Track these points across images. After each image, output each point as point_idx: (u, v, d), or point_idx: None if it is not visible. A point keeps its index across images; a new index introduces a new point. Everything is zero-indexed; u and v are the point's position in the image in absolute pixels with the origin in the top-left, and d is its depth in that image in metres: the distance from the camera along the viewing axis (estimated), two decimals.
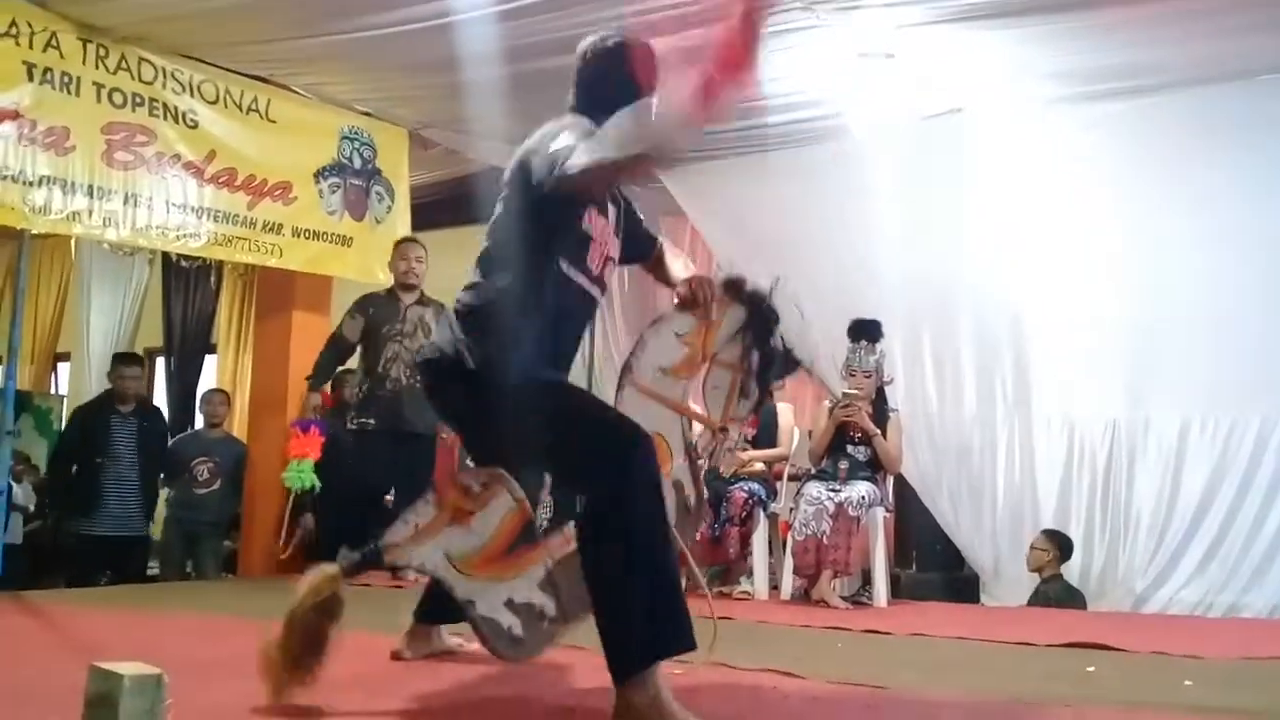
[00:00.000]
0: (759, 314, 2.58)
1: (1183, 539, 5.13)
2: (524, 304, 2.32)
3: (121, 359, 6.42)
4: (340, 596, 2.23)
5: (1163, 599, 5.07)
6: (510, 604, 2.36)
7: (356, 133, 5.98)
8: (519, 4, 4.30)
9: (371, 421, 5.20)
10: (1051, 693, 2.60)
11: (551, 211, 2.31)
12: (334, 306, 6.62)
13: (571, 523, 2.32)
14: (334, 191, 5.86)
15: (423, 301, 5.36)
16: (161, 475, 6.32)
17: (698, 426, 2.64)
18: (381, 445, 5.16)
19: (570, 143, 2.20)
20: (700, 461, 2.61)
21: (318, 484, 5.69)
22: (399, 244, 5.51)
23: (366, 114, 5.99)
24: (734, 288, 2.58)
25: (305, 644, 2.17)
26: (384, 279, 5.81)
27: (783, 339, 2.61)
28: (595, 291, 2.48)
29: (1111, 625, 4.19)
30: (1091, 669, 3.01)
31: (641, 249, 2.71)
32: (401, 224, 6.17)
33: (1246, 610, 4.90)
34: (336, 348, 5.45)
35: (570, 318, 2.47)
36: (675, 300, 2.57)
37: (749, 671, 2.69)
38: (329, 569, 2.25)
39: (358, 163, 5.98)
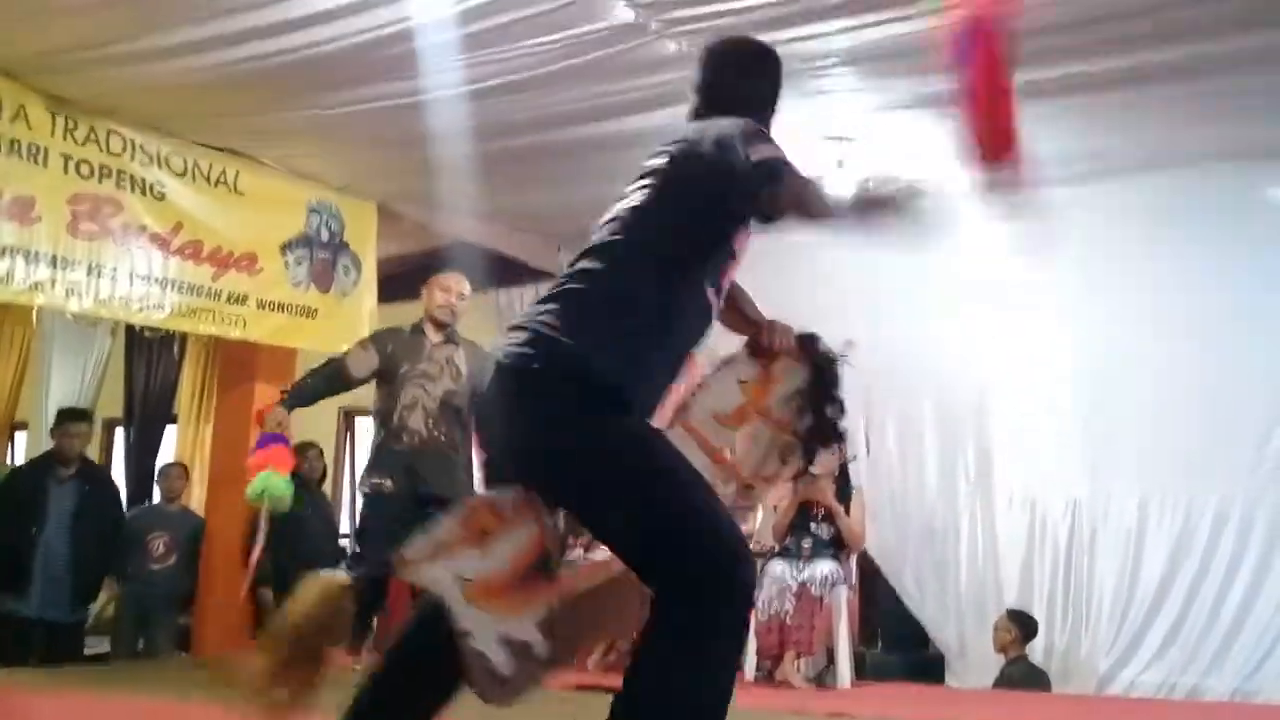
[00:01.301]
0: (823, 378, 2.40)
1: (1144, 619, 5.14)
2: (655, 322, 2.01)
3: (68, 415, 5.97)
4: (348, 610, 2.12)
5: (1125, 680, 5.06)
6: (506, 641, 2.12)
7: (325, 206, 6.00)
8: (487, 85, 4.36)
9: (387, 483, 4.33)
10: None
11: (719, 220, 2.08)
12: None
13: (582, 556, 2.15)
14: (300, 264, 5.86)
15: (452, 340, 4.56)
16: (110, 548, 5.81)
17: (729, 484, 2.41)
18: (402, 512, 4.18)
19: (777, 155, 2.01)
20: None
21: (285, 496, 4.51)
22: (439, 274, 4.68)
23: (335, 188, 6.02)
24: (808, 345, 2.41)
25: (302, 654, 2.05)
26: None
27: (839, 408, 2.42)
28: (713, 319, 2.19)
29: (1075, 709, 4.17)
30: None
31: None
32: (368, 296, 6.17)
33: (1209, 693, 4.89)
34: (330, 379, 4.51)
35: (693, 345, 2.17)
36: (746, 344, 2.40)
37: None
38: (340, 578, 2.16)
39: (325, 235, 5.99)
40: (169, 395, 9.14)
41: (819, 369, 2.40)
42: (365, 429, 9.16)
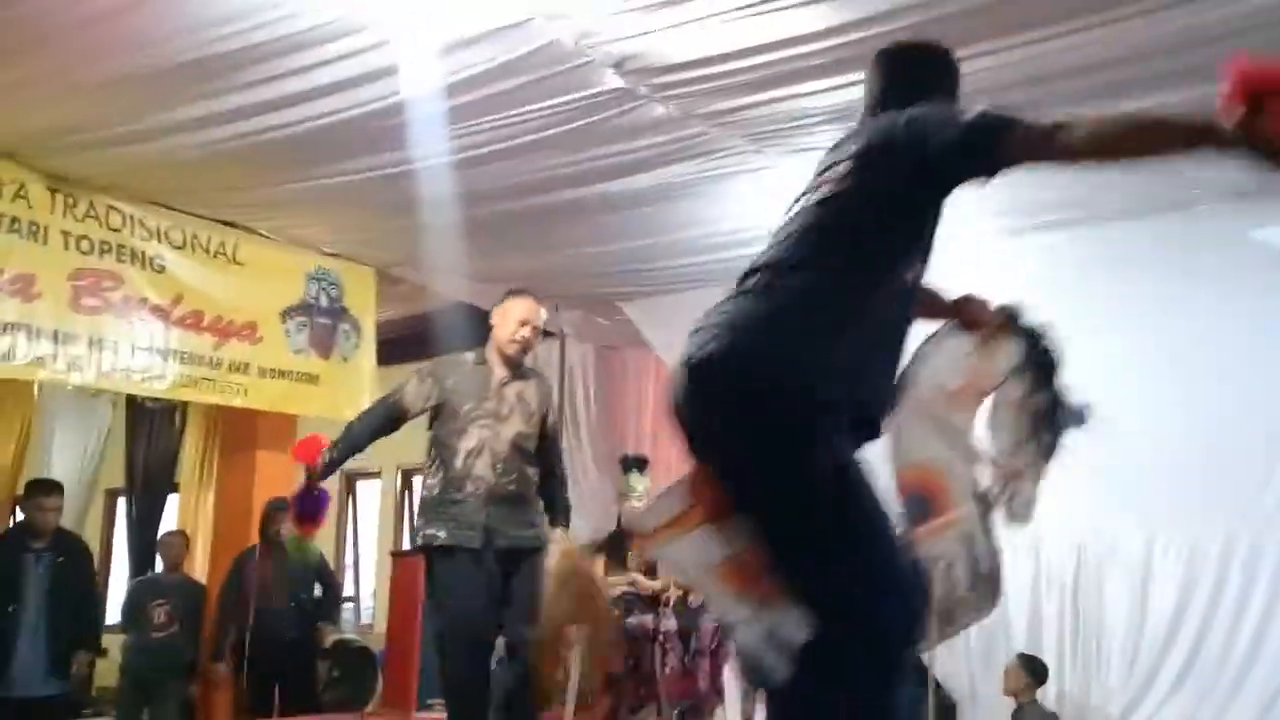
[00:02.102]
0: (1037, 352, 2.32)
1: (1155, 660, 5.11)
2: (853, 319, 1.92)
3: (39, 486, 5.67)
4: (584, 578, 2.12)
5: None
6: (771, 639, 1.94)
7: (323, 273, 6.06)
8: (479, 152, 4.43)
9: (441, 535, 3.67)
10: None
11: (920, 200, 1.96)
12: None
13: None
14: (300, 330, 5.90)
15: (522, 375, 3.89)
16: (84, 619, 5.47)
17: (984, 471, 2.29)
18: (470, 569, 3.66)
19: (986, 108, 1.85)
20: (993, 513, 2.26)
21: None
22: (513, 299, 3.91)
23: (333, 254, 6.09)
24: (1010, 318, 2.32)
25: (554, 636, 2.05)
26: (350, 415, 5.80)
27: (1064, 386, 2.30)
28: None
29: None
30: None
31: None
32: (368, 360, 6.22)
33: None
34: (385, 419, 3.92)
35: (900, 335, 2.04)
36: (953, 321, 2.32)
37: None
38: (567, 545, 2.17)
39: (325, 301, 6.04)
40: (170, 464, 9.16)
41: (1031, 343, 2.32)
42: (368, 492, 9.18)
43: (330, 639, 6.23)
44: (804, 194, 2.08)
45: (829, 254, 1.95)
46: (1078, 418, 2.33)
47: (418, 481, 8.93)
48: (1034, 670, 5.17)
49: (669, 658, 5.08)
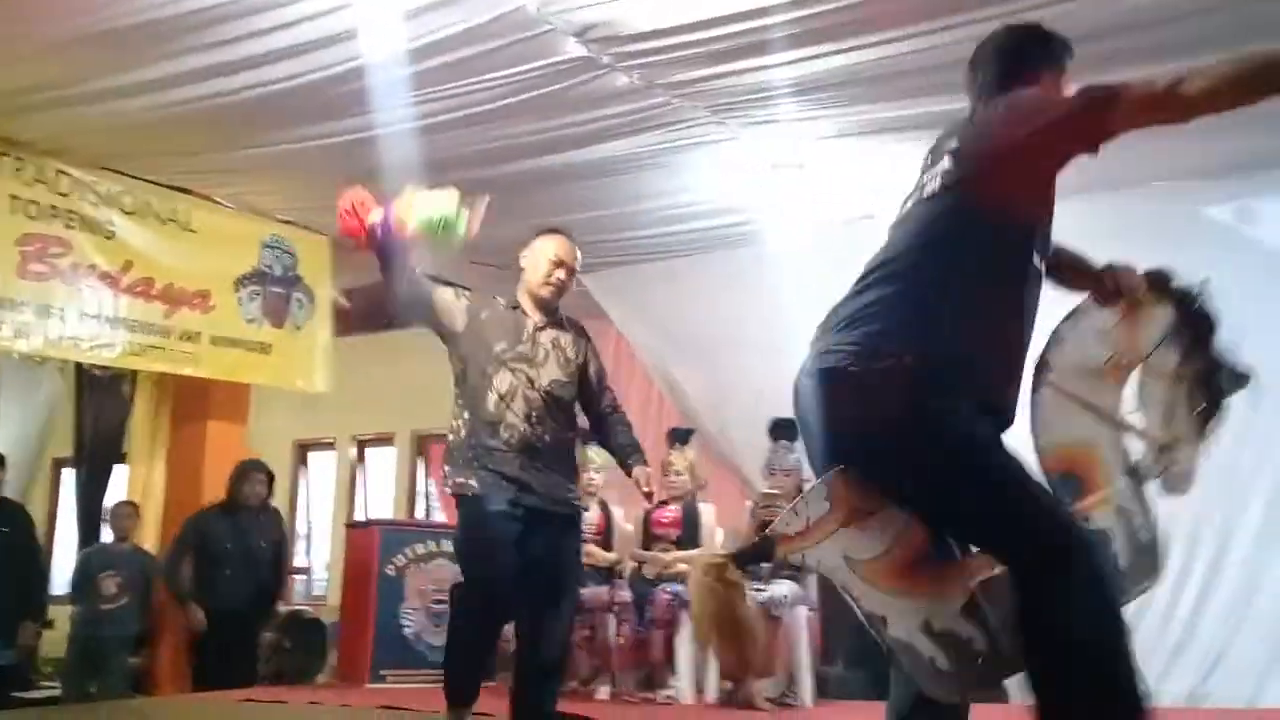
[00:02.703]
0: (1190, 315, 2.24)
1: None
2: (985, 306, 1.99)
3: None
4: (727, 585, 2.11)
5: None
6: (929, 630, 1.98)
7: (278, 241, 5.98)
8: (440, 119, 4.39)
9: (474, 484, 3.34)
10: None
11: (1040, 179, 2.02)
12: (252, 415, 6.54)
13: None
14: (254, 299, 5.83)
15: (559, 322, 3.59)
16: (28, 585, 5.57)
17: (1136, 444, 2.25)
18: (501, 524, 3.33)
19: (1087, 85, 1.93)
20: (1146, 485, 2.22)
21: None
22: (546, 238, 3.58)
23: (288, 222, 6.01)
24: (1159, 283, 2.25)
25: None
26: (304, 386, 5.75)
27: (1223, 348, 2.23)
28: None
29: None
30: None
31: None
32: (322, 330, 6.16)
33: (1165, 697, 4.98)
34: (418, 294, 3.43)
35: (1032, 315, 2.08)
36: (1092, 295, 2.27)
37: None
38: (715, 559, 2.13)
39: (279, 270, 5.97)
40: (119, 434, 9.00)
41: (1182, 307, 2.24)
42: (321, 463, 9.11)
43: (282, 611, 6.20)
44: (916, 188, 2.14)
45: (948, 248, 2.01)
46: (1239, 380, 2.24)
47: (372, 453, 8.93)
48: None
49: (623, 628, 5.12)
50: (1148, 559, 2.18)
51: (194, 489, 5.92)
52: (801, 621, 4.91)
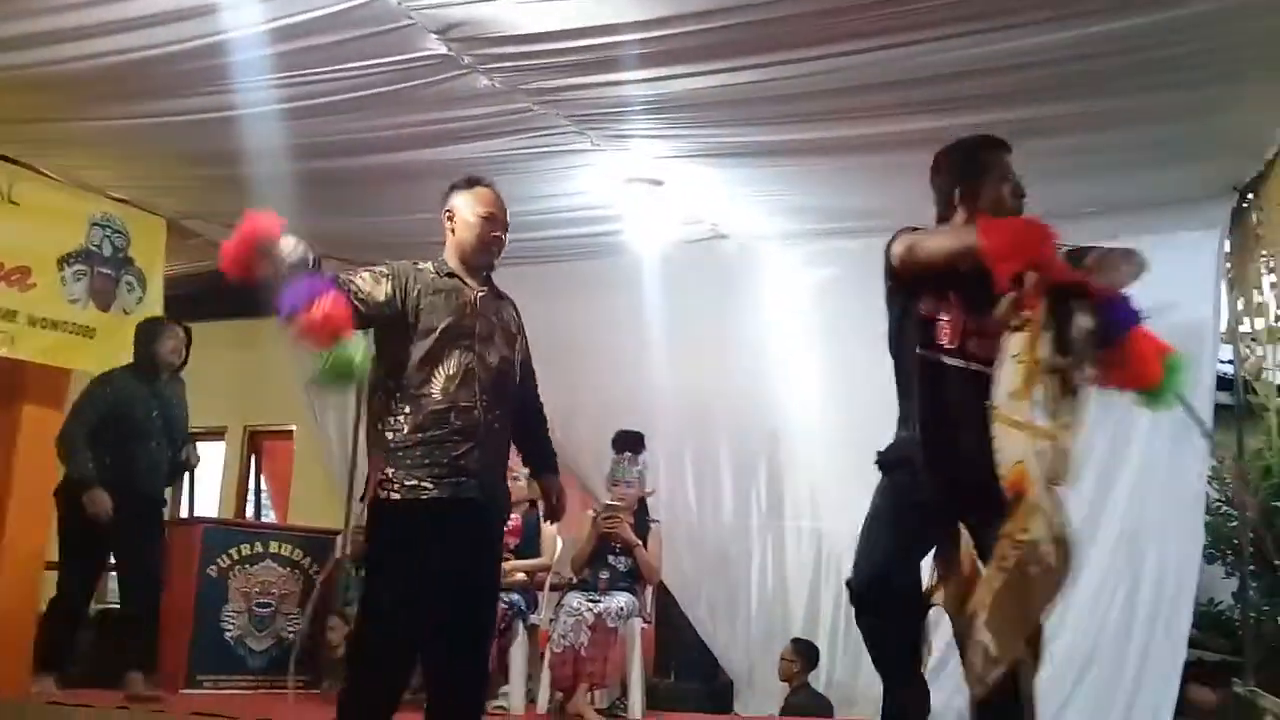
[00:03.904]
0: (1057, 309, 2.44)
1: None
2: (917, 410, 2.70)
3: None
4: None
5: None
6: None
7: (109, 219, 5.67)
8: (293, 105, 4.25)
9: (428, 485, 2.91)
10: None
11: (906, 309, 2.74)
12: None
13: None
14: (79, 279, 5.52)
15: (498, 294, 3.23)
16: None
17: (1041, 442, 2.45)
18: (448, 527, 2.92)
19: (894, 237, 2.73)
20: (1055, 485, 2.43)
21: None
22: (462, 189, 3.18)
23: (123, 201, 5.71)
24: (1049, 289, 2.44)
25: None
26: None
27: (1091, 310, 2.41)
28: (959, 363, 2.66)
29: None
30: None
31: None
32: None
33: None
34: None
35: (961, 395, 2.66)
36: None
37: None
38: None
39: (108, 250, 5.66)
40: None
41: (1058, 300, 2.43)
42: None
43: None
44: None
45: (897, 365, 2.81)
46: (1088, 336, 2.41)
47: (201, 448, 8.53)
48: (806, 654, 5.42)
49: None
50: (1066, 558, 2.35)
51: (4, 477, 5.53)
52: (635, 633, 4.94)
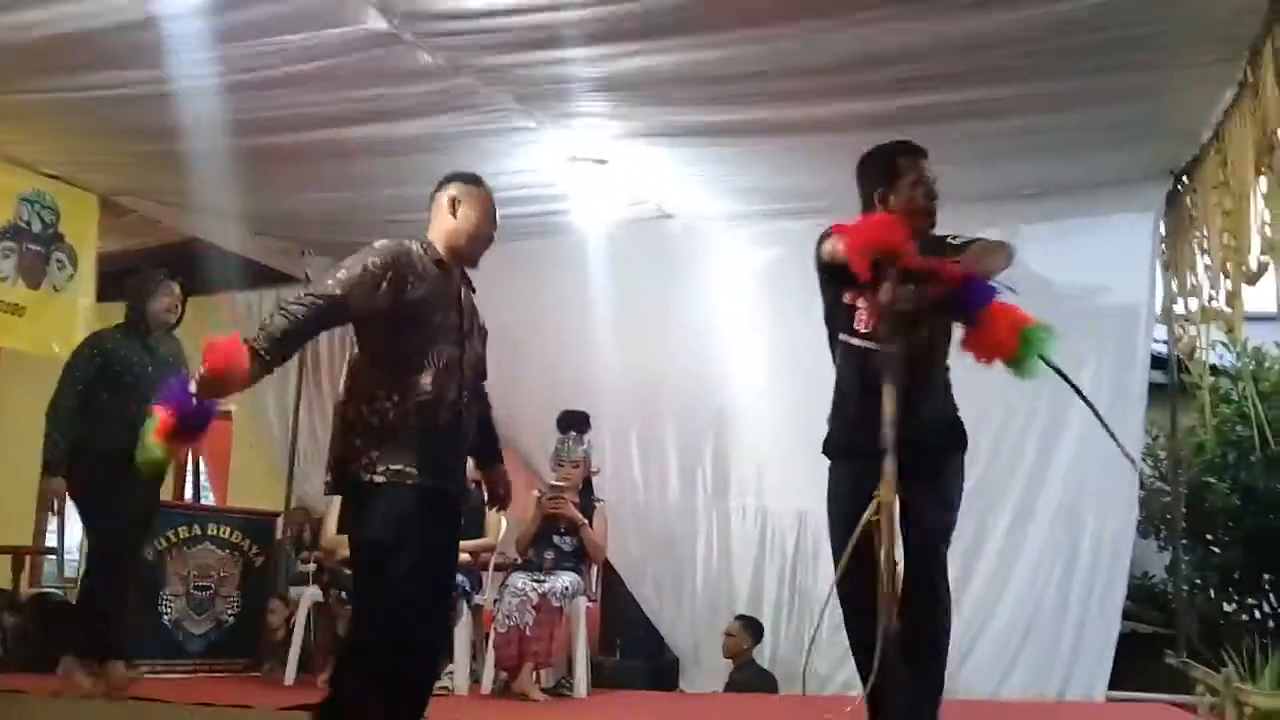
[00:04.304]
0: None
1: None
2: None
3: None
4: None
5: (840, 681, 5.40)
6: None
7: (39, 195, 5.52)
8: (231, 79, 4.15)
9: (413, 472, 2.90)
10: None
11: (835, 298, 3.08)
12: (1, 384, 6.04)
13: None
14: (7, 256, 5.37)
15: (472, 287, 3.24)
16: None
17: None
18: (437, 512, 2.96)
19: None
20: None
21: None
22: (467, 182, 3.21)
23: (53, 176, 5.55)
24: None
25: None
26: (60, 352, 5.29)
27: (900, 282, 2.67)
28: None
29: (798, 709, 4.42)
30: None
31: None
32: (85, 293, 5.73)
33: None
34: (326, 314, 2.92)
35: (880, 375, 2.78)
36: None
37: None
38: None
39: (37, 227, 5.51)
40: None
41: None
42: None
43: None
44: None
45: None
46: (936, 309, 2.77)
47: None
48: (752, 630, 5.47)
49: None
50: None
51: None
52: (580, 612, 4.95)
